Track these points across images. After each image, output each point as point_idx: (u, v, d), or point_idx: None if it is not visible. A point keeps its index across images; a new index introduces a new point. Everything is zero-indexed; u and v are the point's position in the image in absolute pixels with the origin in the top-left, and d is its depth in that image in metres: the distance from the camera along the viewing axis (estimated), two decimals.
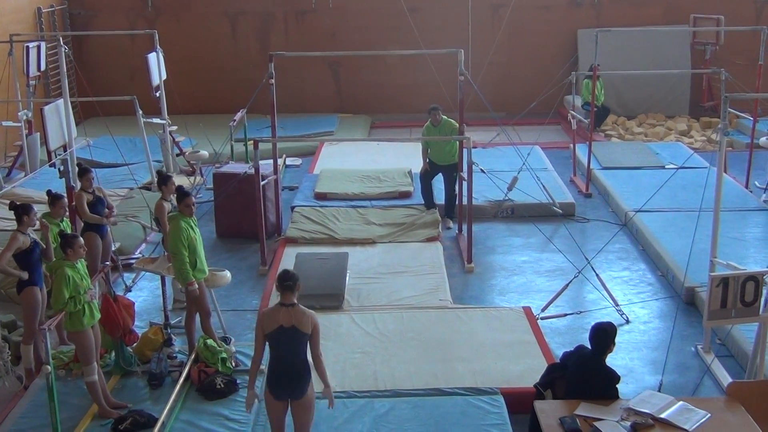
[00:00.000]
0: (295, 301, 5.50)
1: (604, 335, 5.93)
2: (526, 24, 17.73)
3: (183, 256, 7.29)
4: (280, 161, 12.71)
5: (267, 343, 5.50)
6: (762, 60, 12.34)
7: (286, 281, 5.48)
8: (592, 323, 6.19)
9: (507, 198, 11.31)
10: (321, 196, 12.19)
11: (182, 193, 7.50)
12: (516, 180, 11.02)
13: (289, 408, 5.62)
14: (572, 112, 13.52)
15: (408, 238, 10.73)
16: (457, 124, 10.96)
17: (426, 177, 11.40)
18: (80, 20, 17.95)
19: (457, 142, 10.83)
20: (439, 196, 11.57)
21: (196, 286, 7.40)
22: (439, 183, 11.52)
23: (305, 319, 5.44)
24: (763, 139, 12.60)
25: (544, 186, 11.46)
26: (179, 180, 12.79)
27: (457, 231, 11.14)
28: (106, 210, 8.83)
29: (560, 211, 11.36)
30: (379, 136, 16.83)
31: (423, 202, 11.62)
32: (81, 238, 6.74)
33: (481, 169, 10.48)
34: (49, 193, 7.86)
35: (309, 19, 17.95)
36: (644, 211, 10.68)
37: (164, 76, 13.63)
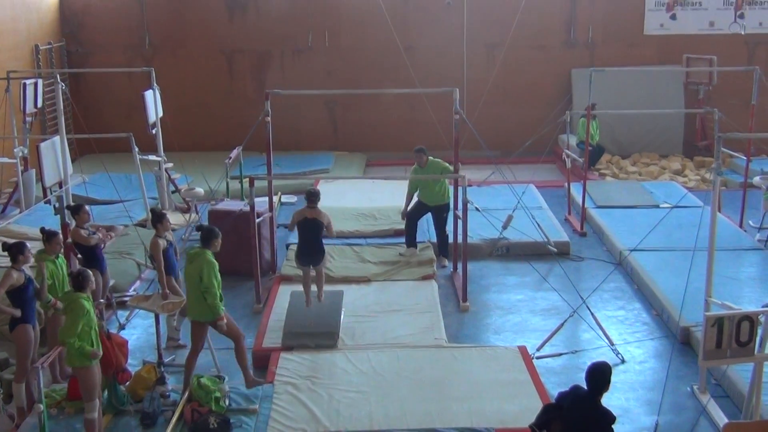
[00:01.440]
0: (316, 205, 8.98)
1: (599, 375, 5.93)
2: (521, 63, 17.95)
3: (216, 290, 7.52)
4: (275, 199, 12.77)
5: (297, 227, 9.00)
6: (755, 100, 12.49)
7: (312, 196, 9.07)
8: (588, 363, 6.19)
9: (502, 236, 11.34)
10: None
11: (211, 232, 7.68)
12: (511, 218, 11.05)
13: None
14: (567, 151, 13.62)
15: (403, 276, 10.73)
16: (448, 165, 11.02)
17: (412, 215, 11.43)
18: (77, 57, 18.12)
19: (447, 183, 10.89)
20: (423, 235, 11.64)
21: (225, 320, 7.64)
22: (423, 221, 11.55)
23: (322, 215, 8.98)
24: (756, 179, 12.68)
25: (539, 224, 11.50)
26: (174, 217, 12.83)
27: (452, 269, 11.16)
28: (99, 234, 8.83)
29: (555, 249, 11.37)
30: (375, 174, 16.92)
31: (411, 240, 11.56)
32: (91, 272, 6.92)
33: (476, 207, 10.51)
34: (42, 230, 7.85)
35: (305, 58, 18.15)
36: (639, 250, 10.71)
37: (161, 114, 13.74)
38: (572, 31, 18.04)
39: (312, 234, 8.99)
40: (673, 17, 17.99)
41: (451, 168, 11.07)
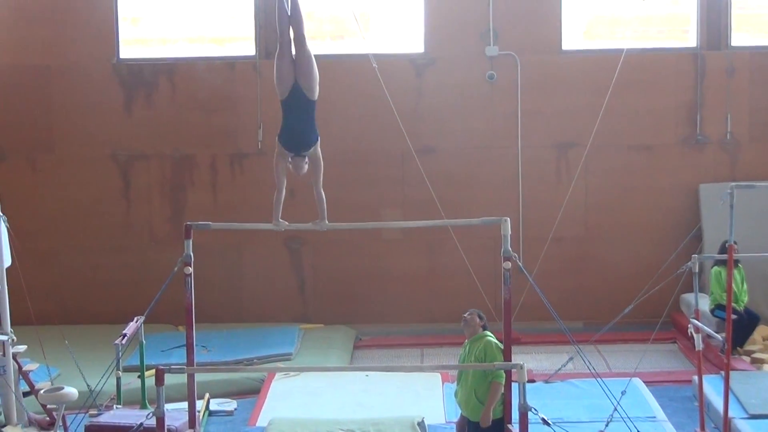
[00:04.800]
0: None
1: None
2: (615, 175, 18.25)
3: None
4: (200, 405, 12.74)
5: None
6: None
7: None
8: None
9: None
10: None
11: None
12: None
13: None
14: (695, 321, 13.66)
15: None
16: (499, 345, 10.96)
17: None
18: None
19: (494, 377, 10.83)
20: None
21: None
22: None
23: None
24: None
25: None
26: None
27: None
28: None
29: None
30: (369, 361, 16.95)
31: None
32: None
33: (543, 419, 10.51)
34: None
35: (252, 167, 18.35)
36: None
37: (8, 263, 13.91)
38: (699, 120, 18.40)
39: (305, 113, 10.95)
40: None
41: (499, 352, 11.05)
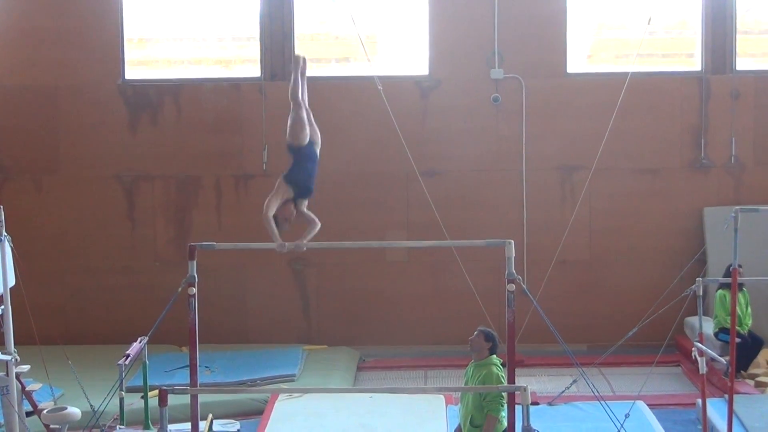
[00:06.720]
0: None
1: None
2: (619, 199, 18.28)
3: None
4: (203, 426, 12.72)
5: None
6: None
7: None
8: None
9: None
10: None
11: None
12: None
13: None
14: (699, 344, 13.64)
15: None
16: (501, 372, 10.87)
17: None
18: None
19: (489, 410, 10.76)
20: None
21: None
22: None
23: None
24: None
25: None
26: None
27: None
28: None
29: None
30: (373, 382, 16.92)
31: None
32: None
33: None
34: None
35: (257, 188, 18.28)
36: None
37: (12, 282, 13.92)
38: (703, 144, 18.40)
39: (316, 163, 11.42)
40: None
41: (503, 376, 10.99)
